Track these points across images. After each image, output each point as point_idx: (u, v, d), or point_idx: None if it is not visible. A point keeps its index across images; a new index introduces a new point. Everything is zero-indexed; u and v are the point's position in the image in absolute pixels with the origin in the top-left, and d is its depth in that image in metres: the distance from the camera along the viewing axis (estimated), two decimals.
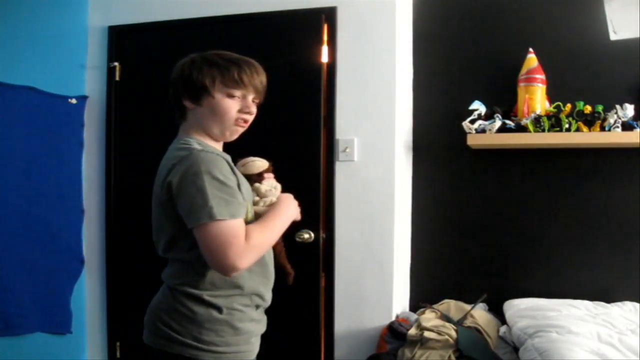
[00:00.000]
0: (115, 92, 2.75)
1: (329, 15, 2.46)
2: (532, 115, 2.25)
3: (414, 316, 2.34)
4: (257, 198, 1.51)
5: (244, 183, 1.46)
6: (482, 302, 2.37)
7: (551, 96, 2.34)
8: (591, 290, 2.35)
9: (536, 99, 2.29)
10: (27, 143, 2.59)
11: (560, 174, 2.43)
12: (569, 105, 2.24)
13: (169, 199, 1.36)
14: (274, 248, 1.54)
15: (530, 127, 2.25)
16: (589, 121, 2.21)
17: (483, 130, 2.32)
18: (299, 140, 2.49)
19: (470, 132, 2.34)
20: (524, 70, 2.33)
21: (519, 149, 2.42)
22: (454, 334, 2.05)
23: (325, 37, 2.47)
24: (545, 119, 2.23)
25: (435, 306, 2.36)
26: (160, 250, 1.47)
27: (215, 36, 2.60)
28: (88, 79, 2.80)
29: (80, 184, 2.79)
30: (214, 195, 1.31)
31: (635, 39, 2.32)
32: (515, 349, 2.05)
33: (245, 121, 1.48)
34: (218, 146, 1.51)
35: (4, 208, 2.52)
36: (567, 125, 2.22)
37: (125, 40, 2.75)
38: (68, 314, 2.72)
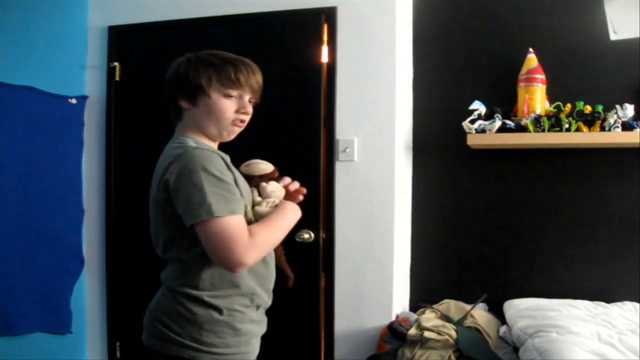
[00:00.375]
0: (115, 92, 2.75)
1: (329, 15, 2.46)
2: (532, 115, 2.25)
3: (414, 316, 2.34)
4: (258, 198, 1.49)
5: (241, 181, 1.45)
6: (482, 302, 2.37)
7: (551, 96, 2.34)
8: (591, 290, 2.35)
9: (536, 99, 2.29)
10: (27, 143, 2.59)
11: (560, 174, 2.42)
12: (569, 105, 2.24)
13: (166, 198, 1.35)
14: (275, 250, 1.54)
15: (530, 127, 2.25)
16: (589, 121, 2.21)
17: (483, 130, 2.32)
18: (299, 140, 2.49)
19: (470, 132, 2.34)
20: (524, 70, 2.33)
21: (519, 149, 2.42)
22: (454, 334, 2.05)
23: (325, 37, 2.47)
24: (545, 119, 2.23)
25: (435, 306, 2.36)
26: (160, 250, 1.46)
27: (215, 36, 2.60)
28: (88, 79, 2.80)
29: (80, 184, 2.79)
30: (211, 191, 1.30)
31: (635, 39, 2.32)
32: (515, 349, 2.05)
33: (242, 121, 1.48)
34: (214, 145, 1.50)
35: (4, 208, 2.53)
36: (567, 125, 2.22)
37: (125, 40, 2.75)
38: (68, 314, 2.72)
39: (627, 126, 2.19)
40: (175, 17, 2.66)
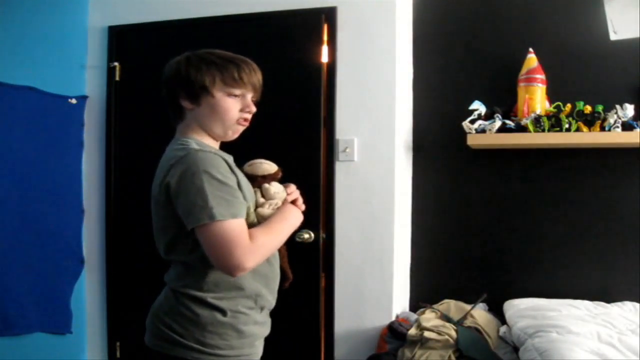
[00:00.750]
0: (115, 92, 2.76)
1: (329, 15, 2.46)
2: (532, 115, 2.25)
3: (414, 316, 2.34)
4: (262, 199, 1.48)
5: (245, 183, 1.44)
6: (482, 302, 2.37)
7: (551, 96, 2.34)
8: (591, 290, 2.35)
9: (536, 99, 2.29)
10: (27, 143, 2.59)
11: (560, 174, 2.42)
12: (569, 105, 2.24)
13: (168, 200, 1.34)
14: (278, 251, 1.53)
15: (530, 127, 2.25)
16: (589, 121, 2.21)
17: (483, 130, 2.32)
18: (299, 140, 2.49)
19: (470, 132, 2.34)
20: (524, 70, 2.33)
21: (519, 149, 2.42)
22: (454, 334, 2.05)
23: (325, 37, 2.47)
24: (545, 119, 2.23)
25: (435, 306, 2.36)
26: (162, 252, 1.45)
27: (215, 36, 2.60)
28: (88, 79, 2.80)
29: (80, 184, 2.79)
30: (213, 195, 1.29)
31: (635, 39, 2.32)
32: (515, 349, 2.05)
33: (246, 120, 1.47)
34: (216, 146, 1.50)
35: (4, 208, 2.52)
36: (567, 125, 2.22)
37: (125, 40, 2.75)
38: (68, 314, 2.72)
39: (627, 126, 2.19)
40: (175, 17, 2.66)
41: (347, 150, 2.43)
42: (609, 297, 2.31)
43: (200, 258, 1.35)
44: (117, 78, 2.75)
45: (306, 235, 2.44)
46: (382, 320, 2.37)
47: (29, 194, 2.60)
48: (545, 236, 2.44)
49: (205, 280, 1.38)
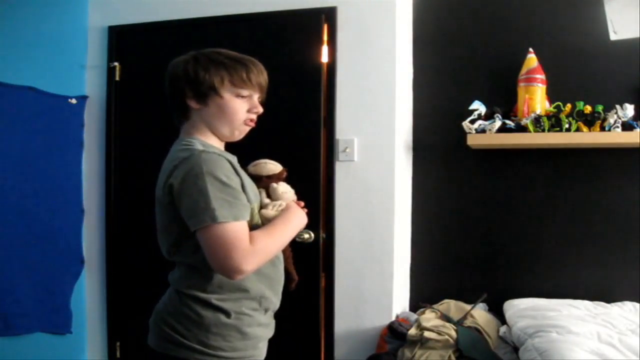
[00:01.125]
0: (115, 92, 2.75)
1: (329, 15, 2.46)
2: (532, 115, 2.25)
3: (414, 316, 2.34)
4: (266, 200, 1.47)
5: (249, 184, 1.43)
6: (482, 302, 2.37)
7: (551, 96, 2.34)
8: (591, 290, 2.36)
9: (536, 99, 2.29)
10: (27, 143, 2.59)
11: (560, 174, 2.43)
12: (569, 105, 2.24)
13: (171, 201, 1.34)
14: (283, 252, 1.52)
15: (530, 127, 2.25)
16: (589, 121, 2.21)
17: (483, 130, 2.32)
18: (299, 140, 2.49)
19: (470, 132, 2.34)
20: (524, 70, 2.33)
21: (519, 149, 2.42)
22: (454, 334, 2.05)
23: (325, 37, 2.47)
24: (545, 119, 2.23)
25: (435, 306, 2.36)
26: (165, 253, 1.44)
27: (216, 36, 2.60)
28: (88, 79, 2.80)
29: (80, 184, 2.79)
30: (216, 197, 1.28)
31: (635, 39, 2.32)
32: (515, 349, 2.05)
33: (252, 120, 1.47)
34: (221, 146, 1.49)
35: (4, 208, 2.52)
36: (567, 125, 2.22)
37: (125, 40, 2.75)
38: (68, 314, 2.72)
39: (627, 126, 2.19)
40: (175, 17, 2.66)
41: (347, 150, 2.43)
42: (609, 297, 2.31)
43: (203, 259, 1.34)
44: (117, 78, 2.75)
45: (306, 235, 2.44)
46: (382, 320, 2.37)
47: (29, 194, 2.60)
48: (545, 236, 2.44)
49: (209, 282, 1.37)
